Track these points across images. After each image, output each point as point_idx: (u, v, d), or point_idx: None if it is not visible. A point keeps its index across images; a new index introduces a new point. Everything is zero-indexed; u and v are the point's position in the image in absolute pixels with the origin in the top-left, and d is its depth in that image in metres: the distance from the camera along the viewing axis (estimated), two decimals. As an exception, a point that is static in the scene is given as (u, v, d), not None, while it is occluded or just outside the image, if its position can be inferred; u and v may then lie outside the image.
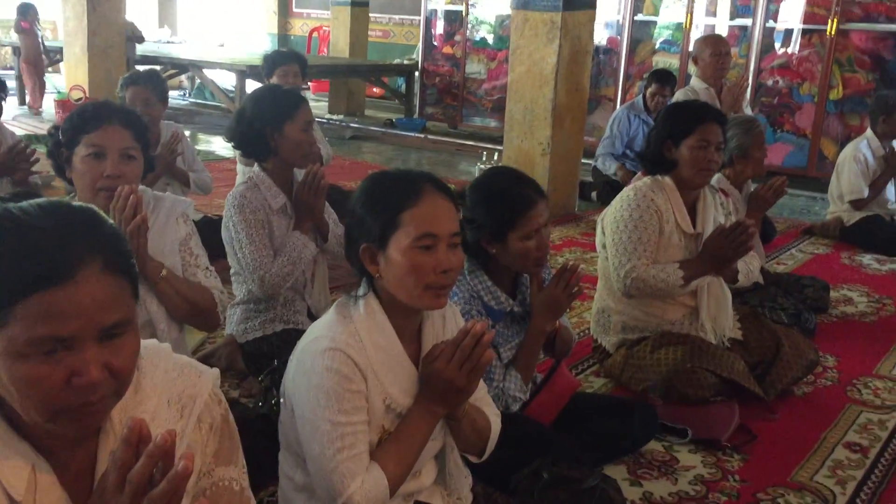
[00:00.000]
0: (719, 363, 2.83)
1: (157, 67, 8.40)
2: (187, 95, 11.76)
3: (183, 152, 4.19)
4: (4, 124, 3.75)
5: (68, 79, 7.87)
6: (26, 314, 0.99)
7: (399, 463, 1.64)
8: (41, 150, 2.53)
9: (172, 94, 9.86)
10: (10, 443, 1.08)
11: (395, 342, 1.68)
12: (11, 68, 10.53)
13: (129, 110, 2.29)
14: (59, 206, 1.07)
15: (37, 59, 9.52)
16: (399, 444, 1.65)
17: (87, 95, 7.36)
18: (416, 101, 10.19)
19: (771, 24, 7.62)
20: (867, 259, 5.04)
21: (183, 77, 11.45)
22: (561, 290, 2.30)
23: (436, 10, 9.96)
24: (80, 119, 2.15)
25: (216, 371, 1.29)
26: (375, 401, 1.64)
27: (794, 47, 7.54)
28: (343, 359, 1.59)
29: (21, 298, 0.99)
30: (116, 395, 1.09)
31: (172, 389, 1.22)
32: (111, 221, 1.11)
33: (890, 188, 5.27)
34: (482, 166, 6.07)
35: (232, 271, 2.98)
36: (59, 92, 8.56)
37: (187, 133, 4.40)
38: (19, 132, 6.47)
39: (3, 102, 3.59)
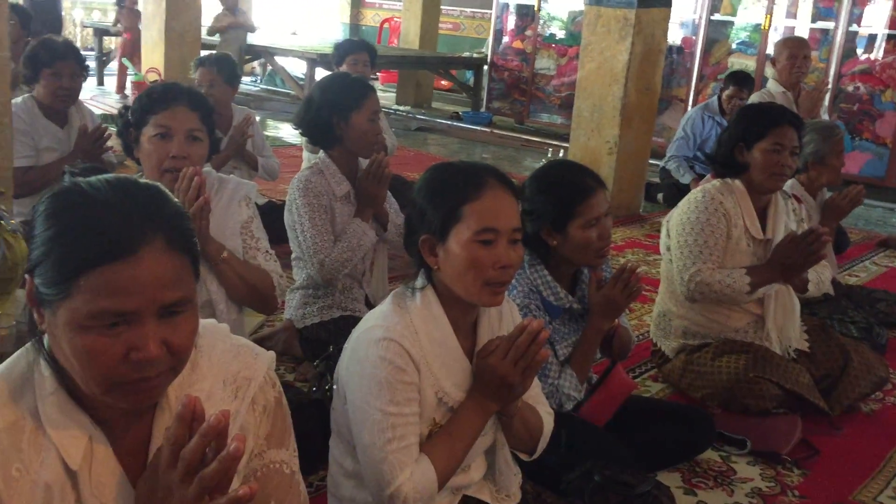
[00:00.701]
0: (783, 374, 2.75)
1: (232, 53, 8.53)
2: (258, 81, 11.94)
3: (254, 135, 4.25)
4: (84, 103, 3.86)
5: (145, 61, 8.04)
6: (89, 287, 1.01)
7: (449, 457, 1.62)
8: (113, 129, 2.60)
9: (244, 80, 10.02)
10: (70, 413, 1.10)
11: (450, 335, 1.67)
12: (92, 49, 10.80)
13: (197, 92, 2.32)
14: (126, 183, 1.08)
15: (136, 39, 9.67)
16: (449, 438, 1.63)
17: (162, 78, 7.52)
18: (484, 95, 10.16)
19: (854, 28, 7.39)
20: (945, 275, 4.84)
21: (255, 63, 11.62)
22: (619, 290, 2.26)
23: (507, 4, 9.91)
24: (149, 99, 2.18)
25: (272, 354, 1.29)
26: (428, 393, 1.63)
27: (878, 53, 7.30)
28: (397, 349, 1.58)
29: (85, 271, 1.01)
30: (173, 372, 1.10)
31: (228, 370, 1.22)
32: (176, 200, 1.12)
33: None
34: (547, 163, 6.00)
35: (293, 256, 3.01)
36: (135, 74, 8.77)
37: (257, 119, 4.47)
38: (97, 111, 6.65)
39: (83, 81, 3.70)
